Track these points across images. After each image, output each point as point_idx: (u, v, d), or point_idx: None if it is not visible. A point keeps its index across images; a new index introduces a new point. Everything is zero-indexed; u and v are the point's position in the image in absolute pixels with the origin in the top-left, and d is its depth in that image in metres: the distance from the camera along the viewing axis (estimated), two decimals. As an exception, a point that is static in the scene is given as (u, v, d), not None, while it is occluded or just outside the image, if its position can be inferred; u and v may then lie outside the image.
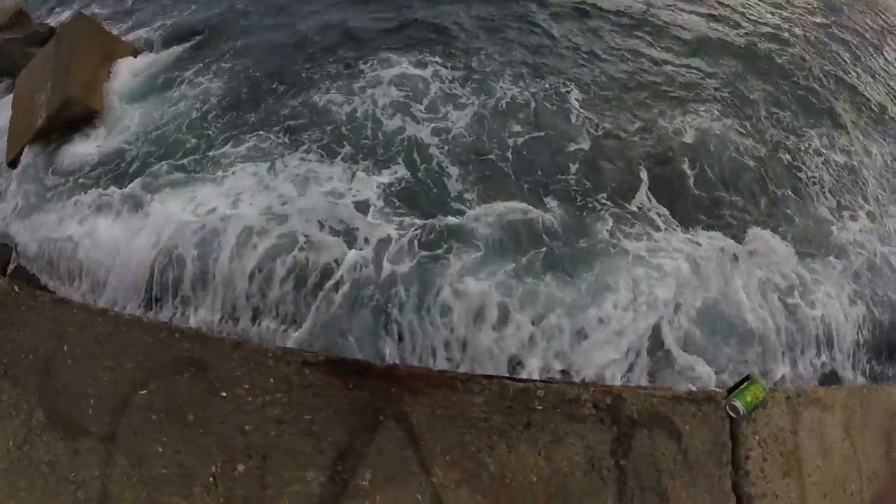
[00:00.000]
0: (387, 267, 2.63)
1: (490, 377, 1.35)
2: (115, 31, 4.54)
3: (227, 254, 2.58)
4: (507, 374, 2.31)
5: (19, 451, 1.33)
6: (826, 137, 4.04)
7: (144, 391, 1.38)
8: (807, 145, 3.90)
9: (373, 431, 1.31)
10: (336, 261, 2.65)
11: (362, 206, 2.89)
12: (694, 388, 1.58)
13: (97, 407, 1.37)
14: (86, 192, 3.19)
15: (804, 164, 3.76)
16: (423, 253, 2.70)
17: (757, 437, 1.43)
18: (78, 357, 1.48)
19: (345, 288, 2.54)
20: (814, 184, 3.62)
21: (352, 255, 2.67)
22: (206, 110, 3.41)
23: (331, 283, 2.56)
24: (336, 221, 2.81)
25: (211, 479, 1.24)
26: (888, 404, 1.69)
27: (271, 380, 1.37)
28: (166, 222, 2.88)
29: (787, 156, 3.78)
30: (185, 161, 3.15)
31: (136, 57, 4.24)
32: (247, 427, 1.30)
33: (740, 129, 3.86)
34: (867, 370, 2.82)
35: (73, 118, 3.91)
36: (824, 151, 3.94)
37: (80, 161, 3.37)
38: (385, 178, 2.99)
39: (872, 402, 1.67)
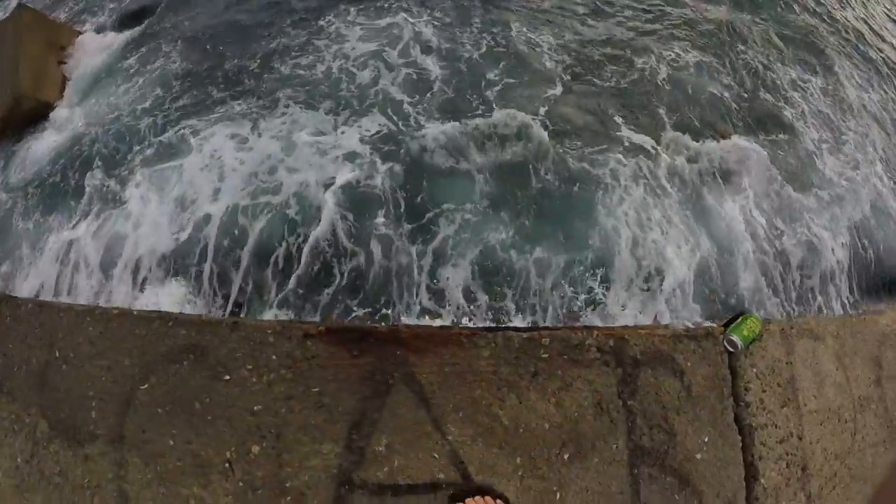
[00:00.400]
0: (369, 248, 2.54)
1: (494, 329, 1.32)
2: (62, 18, 4.15)
3: (213, 242, 2.47)
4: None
5: (28, 465, 1.28)
6: (806, 71, 3.97)
7: (146, 386, 1.32)
8: (786, 79, 3.83)
9: (383, 396, 1.28)
10: (313, 236, 2.56)
11: (342, 171, 2.78)
12: (691, 325, 1.57)
13: (100, 409, 1.31)
14: (52, 204, 2.98)
15: (784, 98, 3.71)
16: (407, 226, 2.61)
17: (755, 370, 1.44)
18: (72, 361, 1.40)
19: (337, 268, 2.47)
20: (796, 119, 3.58)
21: (323, 230, 2.58)
22: (169, 89, 3.15)
23: (315, 261, 2.48)
24: (316, 190, 2.69)
25: (227, 464, 1.21)
26: (875, 332, 1.71)
27: (274, 357, 1.31)
28: (150, 224, 2.73)
29: (767, 94, 3.72)
30: (155, 143, 2.93)
31: (86, 43, 3.92)
32: (256, 408, 1.27)
33: (718, 66, 3.77)
34: (853, 302, 2.89)
35: (28, 115, 3.65)
36: (803, 85, 3.87)
37: (41, 164, 3.14)
38: (363, 133, 2.84)
39: (861, 330, 1.69)
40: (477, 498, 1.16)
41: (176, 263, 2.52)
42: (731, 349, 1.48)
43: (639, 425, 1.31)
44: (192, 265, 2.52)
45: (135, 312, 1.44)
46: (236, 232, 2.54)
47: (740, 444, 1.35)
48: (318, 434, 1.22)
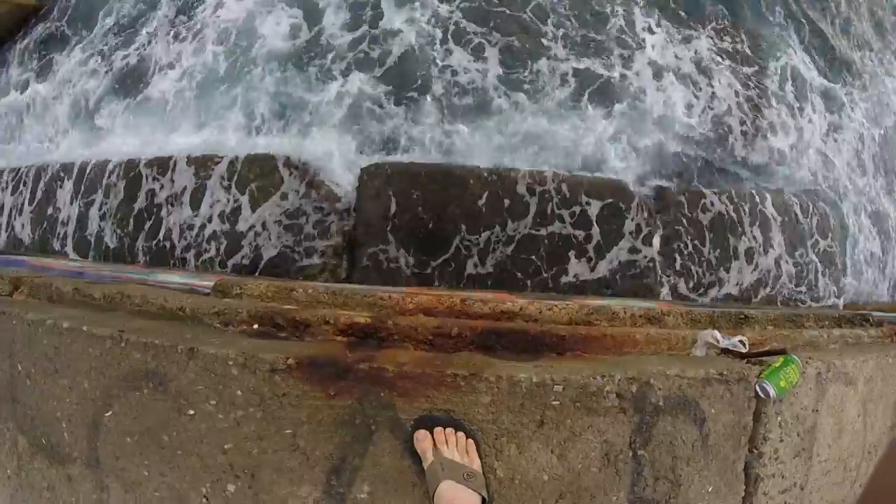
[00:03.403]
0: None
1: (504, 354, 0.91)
2: None
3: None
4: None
5: (18, 477, 1.06)
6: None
7: (110, 413, 1.03)
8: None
9: (365, 442, 0.98)
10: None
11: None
12: (724, 367, 1.14)
13: (71, 431, 1.02)
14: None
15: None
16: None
17: (780, 418, 1.07)
18: (34, 377, 1.07)
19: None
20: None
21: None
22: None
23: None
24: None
25: (204, 499, 0.99)
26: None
27: (239, 392, 0.96)
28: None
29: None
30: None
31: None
32: (226, 446, 0.97)
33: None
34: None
35: (10, 21, 2.93)
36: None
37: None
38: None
39: (893, 373, 1.25)
40: (449, 430, 0.92)
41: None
42: (762, 395, 1.11)
43: (644, 477, 1.02)
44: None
45: (84, 329, 1.09)
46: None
47: (742, 494, 1.08)
48: (294, 477, 0.96)
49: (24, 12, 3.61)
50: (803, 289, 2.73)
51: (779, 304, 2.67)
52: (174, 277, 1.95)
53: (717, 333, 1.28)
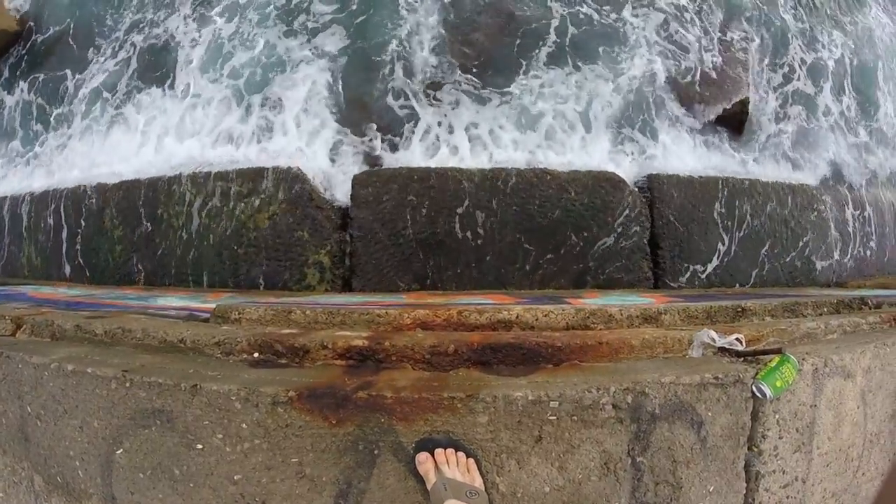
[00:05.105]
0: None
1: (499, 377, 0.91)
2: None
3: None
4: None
5: None
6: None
7: (121, 450, 1.05)
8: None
9: (369, 466, 0.99)
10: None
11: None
12: (721, 372, 1.12)
13: (84, 469, 1.03)
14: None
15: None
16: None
17: (777, 416, 1.06)
18: (43, 418, 1.09)
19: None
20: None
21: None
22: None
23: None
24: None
25: (217, 528, 1.03)
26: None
27: (244, 425, 0.97)
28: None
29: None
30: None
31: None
32: (236, 477, 0.99)
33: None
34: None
35: None
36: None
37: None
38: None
39: (892, 362, 1.23)
40: (449, 451, 0.94)
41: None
42: (759, 396, 1.11)
43: (644, 482, 1.03)
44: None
45: (89, 370, 1.09)
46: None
47: (744, 492, 1.09)
48: (303, 503, 1.00)
49: (7, 38, 3.51)
50: (802, 259, 2.71)
51: (782, 273, 2.65)
52: (173, 300, 1.93)
53: (712, 333, 1.26)
